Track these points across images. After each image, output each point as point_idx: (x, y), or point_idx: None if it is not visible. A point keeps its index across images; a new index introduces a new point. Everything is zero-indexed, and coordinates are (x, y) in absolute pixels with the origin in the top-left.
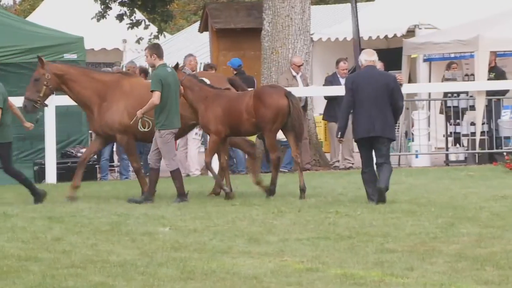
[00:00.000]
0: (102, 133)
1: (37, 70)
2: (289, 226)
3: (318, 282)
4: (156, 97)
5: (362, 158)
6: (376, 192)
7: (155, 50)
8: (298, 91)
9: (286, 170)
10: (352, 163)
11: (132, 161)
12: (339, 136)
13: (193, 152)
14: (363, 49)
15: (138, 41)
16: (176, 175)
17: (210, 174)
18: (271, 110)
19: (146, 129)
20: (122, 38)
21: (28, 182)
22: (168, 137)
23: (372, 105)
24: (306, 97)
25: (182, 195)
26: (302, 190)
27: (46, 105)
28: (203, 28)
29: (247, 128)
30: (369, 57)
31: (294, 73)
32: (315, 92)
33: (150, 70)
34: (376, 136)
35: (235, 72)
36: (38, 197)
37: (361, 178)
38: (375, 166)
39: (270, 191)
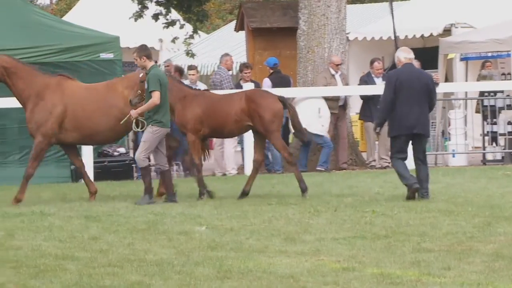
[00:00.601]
0: (30, 132)
1: None
2: (326, 225)
3: (354, 281)
4: (157, 97)
5: (397, 147)
6: (418, 191)
7: (144, 52)
8: (337, 90)
9: (323, 169)
10: (389, 163)
11: (31, 167)
12: (378, 130)
13: (229, 151)
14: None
15: (173, 41)
16: (145, 172)
17: (218, 172)
18: (270, 113)
19: (139, 130)
20: (158, 38)
21: None
22: (161, 135)
23: (415, 102)
24: (346, 96)
25: (150, 193)
26: (245, 193)
27: None
28: (239, 27)
29: (231, 129)
30: (408, 55)
31: (333, 72)
32: (353, 91)
33: (186, 69)
34: (418, 133)
35: (271, 71)
36: None
37: (397, 178)
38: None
39: (301, 189)
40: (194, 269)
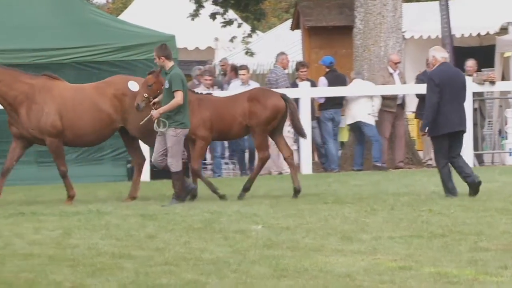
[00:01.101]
0: (29, 136)
1: None
2: (382, 224)
3: (411, 280)
4: (180, 97)
5: (442, 152)
6: (472, 186)
7: (163, 51)
8: (395, 88)
9: (379, 164)
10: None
11: (60, 165)
12: (426, 130)
13: None
14: (455, 47)
15: (231, 40)
16: (178, 177)
17: (274, 171)
18: (270, 111)
19: (162, 129)
20: (214, 36)
21: None
22: (182, 136)
23: (456, 100)
24: (404, 95)
25: (179, 197)
26: (297, 191)
27: None
28: (294, 26)
29: (237, 131)
30: (444, 54)
31: (391, 71)
32: (410, 90)
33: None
34: (460, 130)
35: (327, 70)
36: None
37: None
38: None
39: (245, 188)
40: (250, 268)
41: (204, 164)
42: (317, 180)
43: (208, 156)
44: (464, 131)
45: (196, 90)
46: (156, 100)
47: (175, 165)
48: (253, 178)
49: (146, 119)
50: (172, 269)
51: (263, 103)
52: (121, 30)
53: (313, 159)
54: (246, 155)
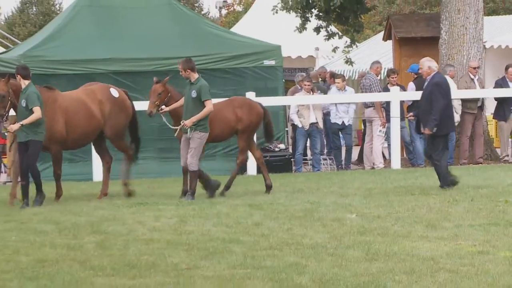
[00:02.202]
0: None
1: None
2: (463, 213)
3: (488, 263)
4: (211, 105)
5: (443, 145)
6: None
7: (188, 64)
8: (475, 92)
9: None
10: None
11: (57, 169)
12: (434, 130)
13: (377, 147)
14: None
15: (334, 50)
16: (194, 175)
17: (367, 166)
18: (257, 117)
19: (189, 133)
20: (315, 46)
21: (39, 183)
22: (204, 139)
23: (451, 104)
24: (483, 98)
25: (193, 193)
26: (269, 187)
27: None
28: (386, 37)
29: (226, 135)
30: (436, 64)
31: (472, 76)
32: (489, 94)
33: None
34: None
35: (415, 76)
36: (40, 197)
37: None
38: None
39: (226, 187)
40: (345, 252)
41: (305, 159)
42: (405, 174)
43: (309, 152)
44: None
45: (297, 94)
46: (167, 109)
47: (194, 164)
48: (233, 178)
49: (179, 128)
50: (276, 252)
51: (250, 110)
52: (232, 41)
53: (401, 155)
54: (343, 152)
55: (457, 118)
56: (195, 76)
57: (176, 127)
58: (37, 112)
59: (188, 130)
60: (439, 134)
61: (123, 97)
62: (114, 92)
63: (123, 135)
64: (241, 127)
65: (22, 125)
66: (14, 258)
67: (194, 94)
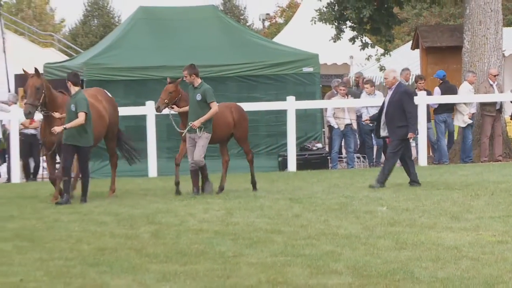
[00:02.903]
0: (50, 142)
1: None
2: (484, 206)
3: (507, 252)
4: (217, 106)
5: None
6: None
7: (193, 70)
8: (494, 97)
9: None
10: None
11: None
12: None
13: None
14: None
15: (368, 58)
16: (196, 173)
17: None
18: (247, 122)
19: (199, 134)
20: (349, 55)
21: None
22: (209, 139)
23: None
24: (501, 102)
25: (197, 187)
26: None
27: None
28: (414, 46)
29: (225, 137)
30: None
31: (491, 82)
32: (507, 98)
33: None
34: None
35: (440, 82)
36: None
37: None
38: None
39: (220, 188)
40: (376, 241)
41: (340, 157)
42: (431, 170)
43: (343, 151)
44: None
45: (333, 98)
46: (178, 109)
47: (196, 163)
48: (224, 178)
49: (188, 128)
50: (314, 242)
51: (245, 116)
52: (275, 50)
53: (428, 153)
54: (374, 151)
55: (466, 119)
56: (198, 81)
57: (182, 131)
58: (81, 117)
59: (197, 130)
60: (404, 137)
61: (113, 99)
62: (108, 94)
63: (116, 136)
64: (238, 132)
65: (65, 128)
66: (77, 246)
67: (199, 97)
